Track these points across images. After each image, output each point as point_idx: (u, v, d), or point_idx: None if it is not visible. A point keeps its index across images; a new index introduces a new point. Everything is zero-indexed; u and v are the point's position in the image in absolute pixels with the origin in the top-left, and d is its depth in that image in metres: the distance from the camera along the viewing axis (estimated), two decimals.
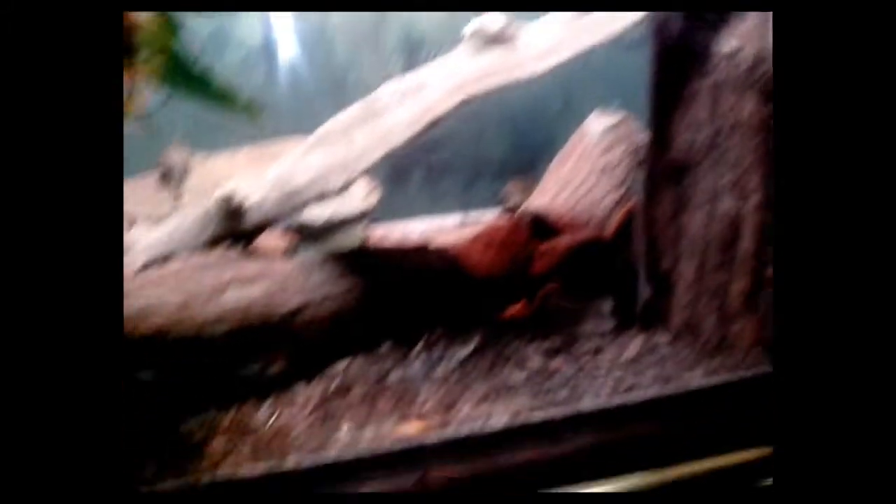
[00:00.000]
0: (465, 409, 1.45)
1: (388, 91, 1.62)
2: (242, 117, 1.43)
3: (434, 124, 1.53)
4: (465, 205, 2.66)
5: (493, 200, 2.59)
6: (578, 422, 1.37)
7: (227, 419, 1.45)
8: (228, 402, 1.48)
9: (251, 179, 1.54)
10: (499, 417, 1.40)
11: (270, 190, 1.54)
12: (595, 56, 1.60)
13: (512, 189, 2.54)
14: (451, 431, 1.35)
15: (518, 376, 1.57)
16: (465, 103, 1.52)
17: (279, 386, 1.53)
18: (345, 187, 1.57)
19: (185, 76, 1.34)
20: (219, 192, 1.50)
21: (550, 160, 2.36)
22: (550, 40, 1.57)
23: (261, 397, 1.50)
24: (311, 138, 1.61)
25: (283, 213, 1.58)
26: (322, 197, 1.55)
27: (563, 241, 1.89)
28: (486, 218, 2.47)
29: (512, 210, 2.46)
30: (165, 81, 1.32)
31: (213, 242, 1.55)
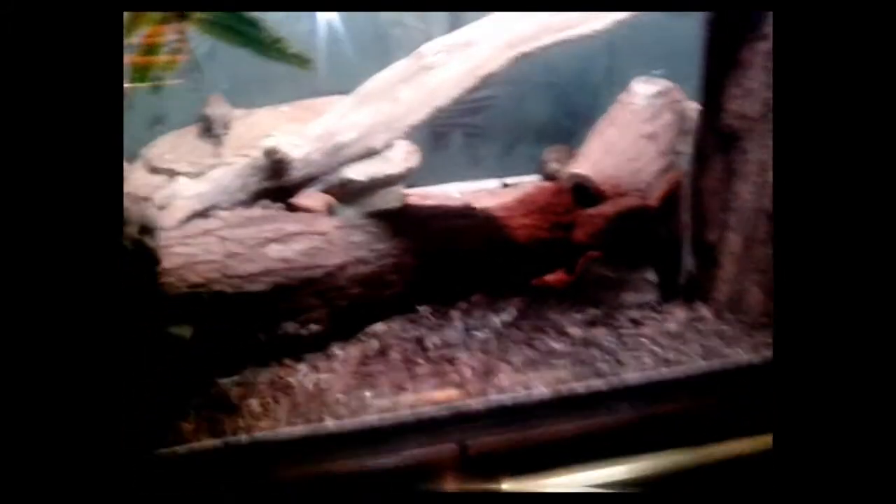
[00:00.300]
0: (503, 377, 1.43)
1: (434, 48, 1.57)
2: (293, 67, 1.39)
3: (484, 82, 1.49)
4: (502, 170, 2.62)
5: (529, 166, 2.54)
6: (620, 395, 1.34)
7: (264, 378, 1.44)
8: (266, 361, 1.47)
9: (295, 134, 1.51)
10: (538, 387, 1.38)
11: (315, 145, 1.51)
12: (639, 20, 1.55)
13: (550, 155, 2.49)
14: (490, 399, 1.33)
15: (558, 346, 1.54)
16: (518, 60, 1.47)
17: (317, 346, 1.52)
18: (389, 145, 1.54)
19: (237, 23, 1.30)
20: (263, 145, 1.47)
21: (589, 127, 2.30)
22: None
23: (298, 357, 1.49)
24: (355, 95, 1.58)
25: (327, 170, 1.55)
26: (366, 154, 1.52)
27: (607, 209, 1.84)
28: (524, 184, 2.44)
29: (550, 177, 2.42)
30: (214, 30, 1.28)
31: (256, 197, 1.53)
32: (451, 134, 2.70)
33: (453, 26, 1.69)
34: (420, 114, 1.52)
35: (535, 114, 2.75)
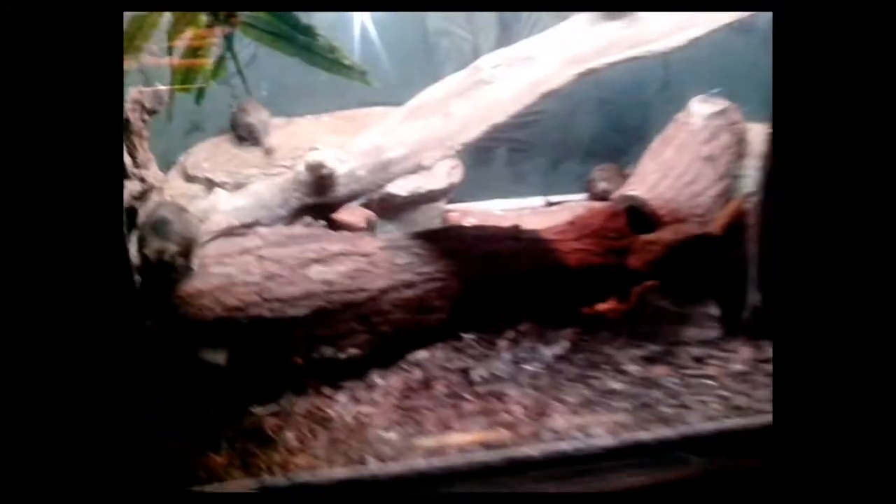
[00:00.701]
0: (557, 418, 1.32)
1: (492, 61, 1.48)
2: (350, 77, 1.29)
3: (545, 99, 1.39)
4: (547, 187, 2.51)
5: (576, 185, 2.43)
6: (688, 444, 1.22)
7: (301, 408, 1.34)
8: (303, 389, 1.37)
9: (341, 148, 1.42)
10: (596, 431, 1.27)
11: (362, 161, 1.41)
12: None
13: (599, 174, 2.38)
14: (547, 446, 1.22)
15: (615, 384, 1.43)
16: (583, 76, 1.37)
17: (357, 373, 1.42)
18: (440, 162, 1.44)
19: (288, 30, 1.21)
20: (308, 159, 1.37)
21: (640, 145, 2.19)
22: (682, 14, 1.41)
23: (337, 386, 1.39)
24: (405, 109, 1.48)
25: (373, 187, 1.46)
26: (415, 171, 1.43)
27: (666, 235, 1.72)
28: (569, 203, 2.33)
29: (599, 197, 2.31)
30: (264, 37, 1.19)
31: (297, 213, 1.43)
32: (495, 149, 2.59)
33: (501, 37, 1.60)
34: (475, 130, 1.42)
35: (583, 130, 2.63)
